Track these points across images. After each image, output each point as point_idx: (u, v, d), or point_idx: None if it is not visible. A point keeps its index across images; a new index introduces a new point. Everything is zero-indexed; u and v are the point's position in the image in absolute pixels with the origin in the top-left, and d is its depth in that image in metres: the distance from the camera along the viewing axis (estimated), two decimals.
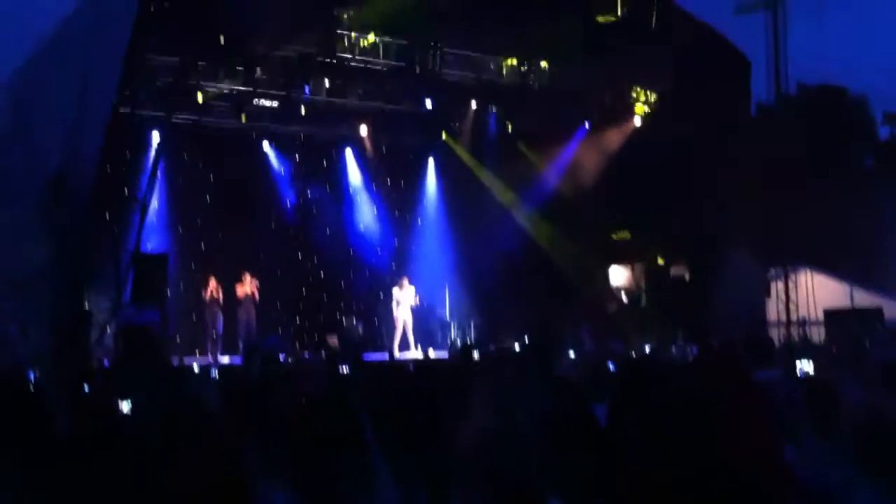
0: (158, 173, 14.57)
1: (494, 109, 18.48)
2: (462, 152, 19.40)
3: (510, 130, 18.99)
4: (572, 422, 4.51)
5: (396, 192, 19.46)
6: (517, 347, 13.22)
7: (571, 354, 11.80)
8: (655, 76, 18.03)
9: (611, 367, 8.49)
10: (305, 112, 16.79)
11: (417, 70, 16.36)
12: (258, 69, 15.41)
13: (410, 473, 3.28)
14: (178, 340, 15.66)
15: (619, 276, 20.26)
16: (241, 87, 15.69)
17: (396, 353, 16.07)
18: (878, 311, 18.46)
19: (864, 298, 21.38)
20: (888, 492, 2.73)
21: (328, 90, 16.40)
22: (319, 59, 15.56)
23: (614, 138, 19.35)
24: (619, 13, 15.46)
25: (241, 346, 15.03)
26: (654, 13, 15.79)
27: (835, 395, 3.70)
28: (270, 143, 18.03)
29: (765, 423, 3.34)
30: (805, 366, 8.06)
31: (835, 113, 29.88)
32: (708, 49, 17.13)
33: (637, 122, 19.11)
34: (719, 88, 18.17)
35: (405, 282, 16.82)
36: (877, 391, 4.40)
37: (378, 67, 16.13)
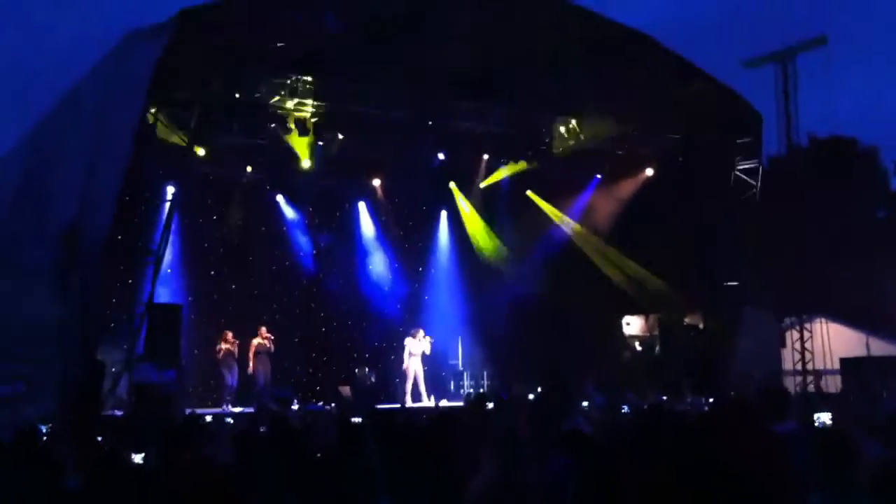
0: (172, 225, 14.66)
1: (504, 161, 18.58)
2: (470, 205, 19.49)
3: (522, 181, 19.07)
4: (586, 475, 4.47)
5: (409, 243, 19.49)
6: (531, 397, 13.11)
7: (585, 405, 11.74)
8: (668, 129, 18.16)
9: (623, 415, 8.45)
10: (319, 164, 16.88)
11: (430, 123, 16.55)
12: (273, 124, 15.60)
13: None
14: (191, 391, 15.62)
15: (633, 325, 20.21)
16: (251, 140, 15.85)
17: (409, 403, 16.02)
18: (894, 360, 18.30)
19: (879, 347, 21.25)
20: None
21: (340, 142, 16.54)
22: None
23: (627, 189, 19.42)
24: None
25: (257, 399, 14.98)
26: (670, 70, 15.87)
27: (854, 447, 3.65)
28: (284, 195, 18.12)
29: (785, 475, 3.31)
30: (823, 417, 7.98)
31: (846, 164, 29.91)
32: (720, 104, 17.24)
33: (649, 172, 19.16)
34: (732, 141, 18.29)
35: (420, 333, 16.78)
36: (892, 442, 4.35)
37: (390, 119, 16.27)
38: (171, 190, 14.73)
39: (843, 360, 19.13)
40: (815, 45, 20.65)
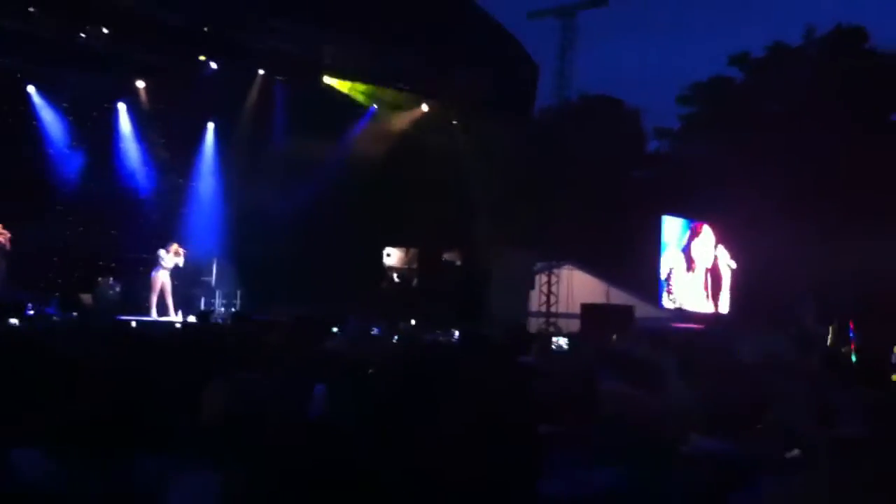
0: None
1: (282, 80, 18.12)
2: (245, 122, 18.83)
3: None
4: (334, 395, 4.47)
5: (172, 153, 18.57)
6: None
7: (335, 330, 11.74)
8: (445, 66, 18.34)
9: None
10: (80, 58, 15.71)
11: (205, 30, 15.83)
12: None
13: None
14: None
15: (393, 256, 20.52)
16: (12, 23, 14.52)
17: (154, 316, 15.46)
18: (628, 309, 19.67)
19: (619, 297, 22.83)
20: (626, 470, 2.83)
21: (107, 37, 15.45)
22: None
23: (400, 122, 19.53)
24: None
25: None
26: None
27: (590, 378, 3.81)
28: (37, 88, 16.75)
29: (526, 403, 3.42)
30: (561, 342, 8.43)
31: (610, 122, 31.64)
32: (500, 49, 17.64)
33: (424, 108, 19.36)
34: (506, 88, 18.80)
35: (174, 246, 16.12)
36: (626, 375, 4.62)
37: (164, 21, 15.38)
38: None
39: (582, 305, 20.37)
40: (597, 4, 21.61)
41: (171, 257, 15.92)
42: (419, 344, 8.45)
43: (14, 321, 9.67)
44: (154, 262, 15.97)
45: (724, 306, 22.81)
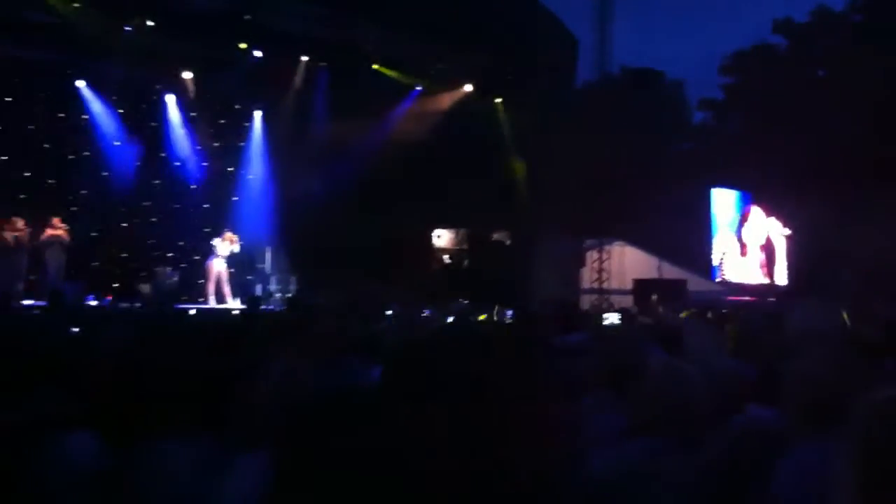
0: None
1: (325, 66, 18.21)
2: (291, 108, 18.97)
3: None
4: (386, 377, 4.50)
5: (220, 142, 18.81)
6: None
7: (389, 313, 11.81)
8: (485, 45, 18.24)
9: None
10: (126, 52, 15.95)
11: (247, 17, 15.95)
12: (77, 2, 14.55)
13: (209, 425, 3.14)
14: None
15: (443, 238, 20.55)
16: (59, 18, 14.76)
17: (212, 304, 15.71)
18: (682, 283, 19.51)
19: (671, 272, 22.63)
20: (670, 441, 2.83)
21: (152, 29, 15.66)
22: None
23: (444, 103, 19.50)
24: None
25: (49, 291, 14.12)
26: None
27: (638, 349, 3.81)
28: (87, 83, 17.03)
29: (556, 383, 3.42)
30: (612, 318, 8.37)
31: (653, 95, 31.23)
32: (538, 24, 17.51)
33: (468, 87, 19.32)
34: (547, 63, 18.67)
35: (228, 234, 16.36)
36: (672, 350, 4.61)
37: (206, 10, 15.53)
38: None
39: (634, 281, 20.26)
40: None
41: (226, 245, 16.16)
42: (469, 323, 8.46)
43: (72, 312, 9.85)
44: (208, 251, 16.22)
45: (782, 278, 22.54)
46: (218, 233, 16.46)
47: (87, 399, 3.15)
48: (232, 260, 16.49)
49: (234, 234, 16.49)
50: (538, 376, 3.25)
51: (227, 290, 16.17)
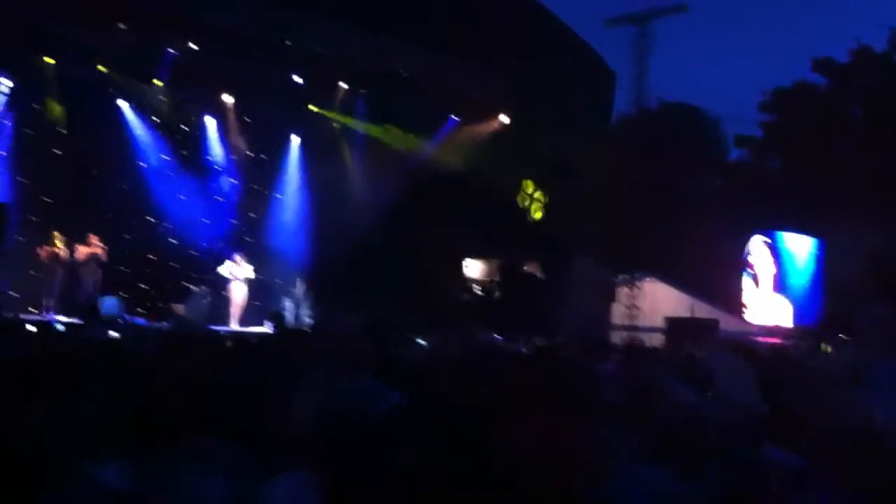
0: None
1: (363, 92, 18.40)
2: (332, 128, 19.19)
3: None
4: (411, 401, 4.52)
5: (256, 165, 19.03)
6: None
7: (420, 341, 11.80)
8: (523, 77, 18.35)
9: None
10: (168, 74, 16.21)
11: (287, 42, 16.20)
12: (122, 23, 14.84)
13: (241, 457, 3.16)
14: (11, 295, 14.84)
15: (473, 268, 20.53)
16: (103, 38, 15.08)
17: (236, 327, 15.85)
18: (714, 322, 19.33)
19: (704, 311, 22.43)
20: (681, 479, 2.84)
21: (193, 53, 15.91)
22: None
23: (479, 133, 19.59)
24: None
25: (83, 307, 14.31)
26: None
27: (657, 386, 3.81)
28: (129, 102, 17.32)
29: (588, 405, 3.44)
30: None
31: (689, 130, 31.12)
32: (576, 57, 17.59)
33: (504, 119, 19.40)
34: (583, 96, 18.72)
35: (237, 257, 16.63)
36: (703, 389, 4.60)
37: (248, 36, 15.78)
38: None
39: (667, 318, 20.09)
40: (676, 11, 21.35)
41: (239, 269, 16.38)
42: (494, 353, 8.46)
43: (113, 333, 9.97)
44: (224, 278, 16.43)
45: (810, 317, 22.36)
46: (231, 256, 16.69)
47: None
48: (259, 284, 16.65)
49: (240, 256, 16.69)
50: (565, 401, 3.29)
51: (238, 313, 16.41)
